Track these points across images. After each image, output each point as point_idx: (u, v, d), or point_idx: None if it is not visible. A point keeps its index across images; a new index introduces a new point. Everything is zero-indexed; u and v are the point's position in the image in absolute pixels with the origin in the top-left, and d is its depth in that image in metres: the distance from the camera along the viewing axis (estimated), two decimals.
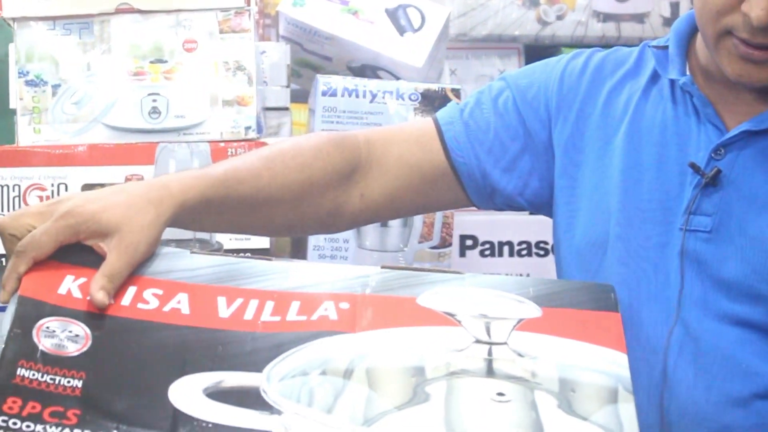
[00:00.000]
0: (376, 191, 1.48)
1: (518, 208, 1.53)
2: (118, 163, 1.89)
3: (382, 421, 1.08)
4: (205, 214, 1.34)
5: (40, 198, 1.88)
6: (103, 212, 1.22)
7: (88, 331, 1.14)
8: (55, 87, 1.94)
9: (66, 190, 1.89)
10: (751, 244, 1.33)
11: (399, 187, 1.49)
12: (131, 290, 1.19)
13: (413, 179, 1.49)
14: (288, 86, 2.13)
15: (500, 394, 1.11)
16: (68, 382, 1.09)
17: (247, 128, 1.92)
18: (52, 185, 1.89)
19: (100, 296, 1.17)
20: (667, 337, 1.34)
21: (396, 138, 1.51)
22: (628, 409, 1.10)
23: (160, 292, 1.19)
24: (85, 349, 1.12)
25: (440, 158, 1.49)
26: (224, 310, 1.18)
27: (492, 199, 1.52)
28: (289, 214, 1.43)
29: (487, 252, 2.20)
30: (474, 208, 1.56)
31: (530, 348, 1.16)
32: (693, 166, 1.36)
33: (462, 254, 2.20)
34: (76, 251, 1.20)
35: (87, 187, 1.88)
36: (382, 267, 1.25)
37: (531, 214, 1.60)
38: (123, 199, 1.24)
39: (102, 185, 1.87)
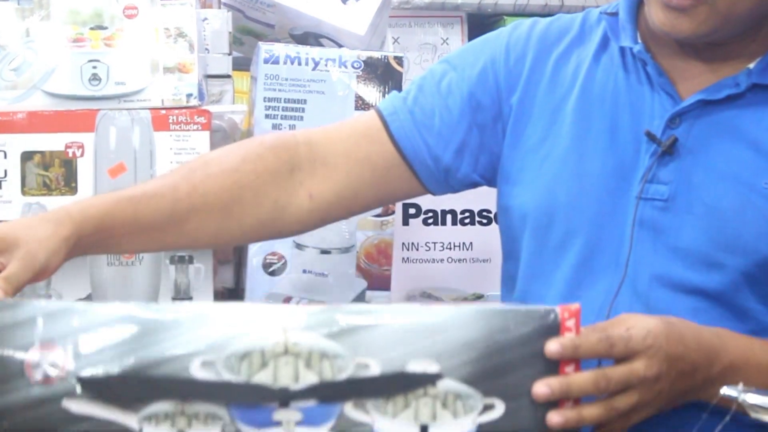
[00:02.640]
0: (327, 191, 1.47)
1: (474, 186, 1.53)
2: (58, 131, 1.88)
3: None
4: (118, 234, 1.36)
5: None
6: (0, 230, 1.27)
7: None
8: None
9: (5, 157, 1.87)
10: (708, 213, 1.34)
11: (350, 184, 1.48)
12: None
13: (364, 173, 1.48)
14: (230, 54, 2.11)
15: None
16: None
17: (189, 95, 1.91)
18: None
19: None
20: (611, 303, 1.35)
21: (339, 135, 1.51)
22: None
23: None
24: None
25: (389, 149, 1.49)
26: None
27: (447, 182, 1.51)
28: (223, 223, 1.43)
29: (430, 220, 2.21)
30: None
31: None
32: (649, 134, 1.37)
33: (405, 222, 2.20)
34: None
35: (26, 154, 1.86)
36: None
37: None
38: (21, 222, 1.32)
39: (42, 153, 1.86)
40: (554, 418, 1.13)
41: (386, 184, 1.50)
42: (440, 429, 1.12)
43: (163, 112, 1.89)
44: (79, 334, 1.08)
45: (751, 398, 1.15)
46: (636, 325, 1.19)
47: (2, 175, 1.87)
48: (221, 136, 1.95)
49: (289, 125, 1.97)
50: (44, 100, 1.90)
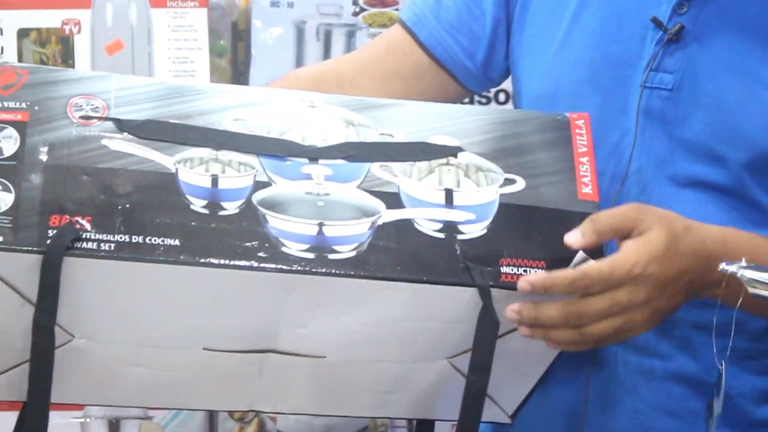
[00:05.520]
0: None
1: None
2: (55, 7, 1.87)
3: None
4: None
5: None
6: None
7: None
8: None
9: (1, 34, 1.86)
10: (714, 104, 1.30)
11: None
12: None
13: (395, 86, 1.46)
14: None
15: None
16: None
17: None
18: None
19: None
20: (615, 194, 1.34)
21: (363, 56, 1.50)
22: None
23: None
24: None
25: (419, 58, 1.46)
26: None
27: (486, 77, 1.48)
28: None
29: None
30: None
31: None
32: (655, 20, 1.33)
33: None
34: None
35: (23, 31, 1.86)
36: None
37: None
38: None
39: (38, 30, 1.85)
40: (510, 311, 1.13)
41: (421, 94, 1.47)
42: (464, 195, 1.16)
43: None
44: (117, 90, 1.15)
45: (750, 273, 1.16)
46: (630, 249, 1.15)
47: None
48: (219, 13, 1.94)
49: (287, 2, 1.96)
50: None
